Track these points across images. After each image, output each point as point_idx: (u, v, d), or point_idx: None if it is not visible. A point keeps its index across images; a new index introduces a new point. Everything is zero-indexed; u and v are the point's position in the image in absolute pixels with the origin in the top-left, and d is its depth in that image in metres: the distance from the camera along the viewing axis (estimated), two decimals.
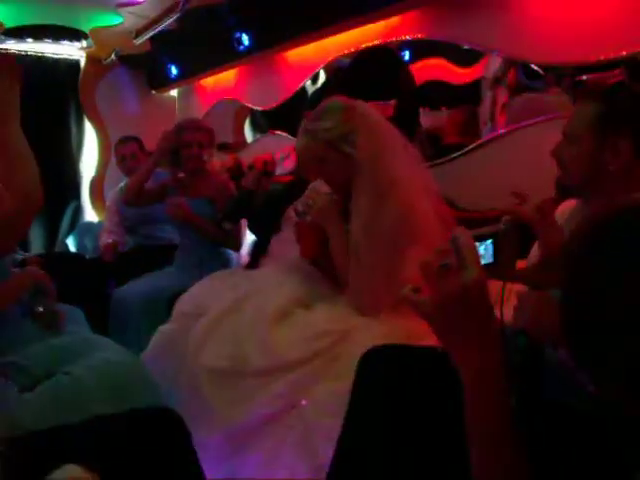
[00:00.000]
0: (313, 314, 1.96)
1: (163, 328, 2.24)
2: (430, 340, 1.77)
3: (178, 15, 3.51)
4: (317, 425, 1.68)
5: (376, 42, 3.09)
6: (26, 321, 2.21)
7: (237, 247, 3.18)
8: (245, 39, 3.71)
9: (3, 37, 4.67)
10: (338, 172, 2.01)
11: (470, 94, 3.33)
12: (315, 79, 4.58)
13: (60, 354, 1.76)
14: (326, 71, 4.42)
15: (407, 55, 3.63)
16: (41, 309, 1.95)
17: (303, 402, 1.72)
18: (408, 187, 1.99)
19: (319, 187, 2.19)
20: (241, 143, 5.03)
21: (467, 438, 0.87)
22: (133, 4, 3.69)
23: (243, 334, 1.91)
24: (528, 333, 1.26)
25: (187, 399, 1.87)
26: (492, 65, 3.11)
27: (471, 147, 2.70)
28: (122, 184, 3.95)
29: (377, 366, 1.48)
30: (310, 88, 4.69)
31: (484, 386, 0.84)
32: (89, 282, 3.27)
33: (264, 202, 2.76)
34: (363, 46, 3.16)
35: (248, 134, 5.24)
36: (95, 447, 1.29)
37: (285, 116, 4.37)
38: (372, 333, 1.83)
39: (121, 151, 3.95)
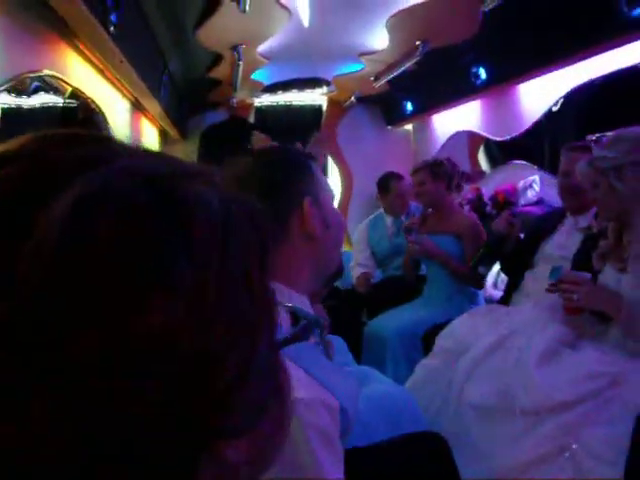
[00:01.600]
0: (581, 354, 1.94)
1: (425, 362, 2.35)
2: None
3: (418, 58, 3.68)
4: (589, 471, 1.66)
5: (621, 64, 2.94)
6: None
7: (480, 285, 3.21)
8: (482, 73, 3.76)
9: (260, 92, 5.33)
10: (609, 201, 1.97)
11: None
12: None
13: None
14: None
15: None
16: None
17: (574, 446, 1.71)
18: None
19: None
20: (478, 173, 5.06)
21: None
22: (374, 52, 3.96)
23: (509, 372, 1.95)
24: None
25: (450, 435, 1.95)
26: None
27: None
28: (371, 217, 4.15)
29: None
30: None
31: None
32: (344, 313, 3.52)
33: (519, 239, 2.76)
34: (601, 73, 3.03)
35: (483, 165, 5.26)
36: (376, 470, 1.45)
37: (523, 146, 4.32)
38: None
39: (401, 187, 3.93)
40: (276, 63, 4.19)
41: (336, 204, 5.80)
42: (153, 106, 3.68)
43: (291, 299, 1.05)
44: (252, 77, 4.41)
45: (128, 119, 3.68)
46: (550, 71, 3.37)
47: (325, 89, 5.41)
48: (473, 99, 4.26)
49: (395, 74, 4.15)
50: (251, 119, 5.75)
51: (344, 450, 1.62)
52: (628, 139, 1.93)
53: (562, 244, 2.45)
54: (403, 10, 3.22)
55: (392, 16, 3.29)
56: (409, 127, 5.73)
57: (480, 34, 3.38)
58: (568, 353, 1.94)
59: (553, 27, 3.06)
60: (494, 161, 5.14)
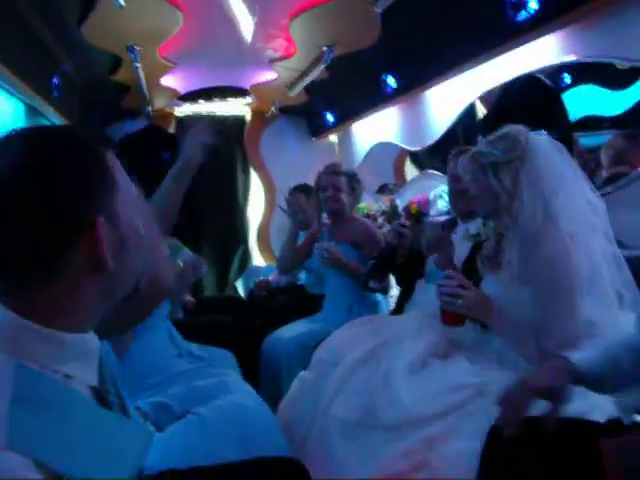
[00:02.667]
0: (449, 366, 1.84)
1: (303, 374, 2.24)
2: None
3: (326, 65, 3.60)
4: None
5: (523, 71, 2.92)
6: (181, 362, 2.35)
7: (385, 291, 3.13)
8: (391, 81, 3.71)
9: (179, 102, 5.18)
10: (486, 198, 1.89)
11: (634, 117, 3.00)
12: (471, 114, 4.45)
13: (198, 395, 1.83)
14: (485, 103, 4.28)
15: (558, 83, 3.38)
16: None
17: (434, 460, 1.60)
18: (577, 227, 1.80)
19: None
20: (401, 184, 5.01)
21: None
22: (284, 59, 3.87)
23: (376, 385, 1.84)
24: None
25: (317, 450, 1.83)
26: None
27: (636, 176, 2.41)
28: None
29: (505, 443, 1.34)
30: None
31: None
32: (243, 324, 3.39)
33: (410, 252, 2.68)
34: (511, 76, 3.00)
35: (411, 174, 5.21)
36: None
37: (441, 155, 4.28)
38: None
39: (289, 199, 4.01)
40: (185, 69, 4.06)
41: (259, 216, 5.68)
42: (48, 111, 3.48)
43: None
44: (161, 83, 4.24)
45: (25, 124, 3.48)
46: (453, 76, 3.34)
47: (247, 99, 5.29)
48: (386, 108, 4.21)
49: (307, 82, 4.07)
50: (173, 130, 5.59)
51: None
52: (507, 137, 1.87)
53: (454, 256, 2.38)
54: (304, 14, 3.15)
55: (293, 19, 3.21)
56: (334, 138, 5.66)
57: (385, 40, 3.33)
58: (437, 365, 1.84)
59: (450, 32, 3.02)
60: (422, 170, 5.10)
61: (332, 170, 3.18)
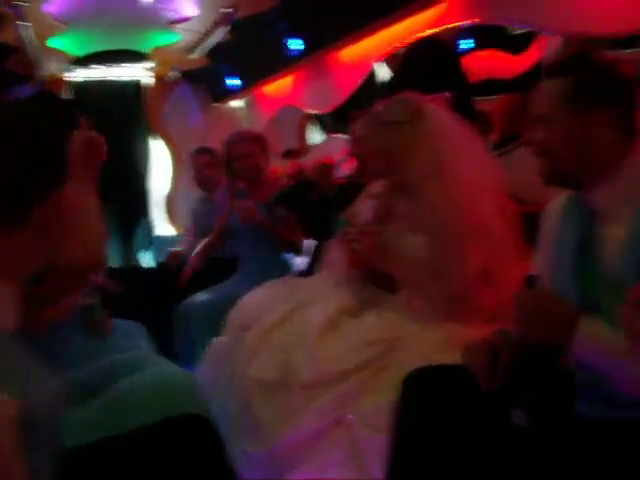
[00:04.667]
0: (362, 323, 1.88)
1: (217, 340, 2.23)
2: None
3: (227, 27, 3.52)
4: (365, 440, 1.60)
5: (427, 31, 2.97)
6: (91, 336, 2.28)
7: (298, 250, 3.14)
8: (295, 43, 3.68)
9: (72, 66, 4.90)
10: (381, 159, 1.96)
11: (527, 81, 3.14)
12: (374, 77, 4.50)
13: (118, 369, 1.79)
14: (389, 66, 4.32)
15: (461, 46, 3.47)
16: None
17: (349, 416, 1.65)
18: (467, 185, 1.89)
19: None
20: (306, 148, 5.01)
21: None
22: (184, 20, 3.74)
23: (291, 346, 1.87)
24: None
25: (238, 412, 1.85)
26: (551, 47, 2.90)
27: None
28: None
29: (419, 392, 1.40)
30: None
31: None
32: (156, 293, 3.33)
33: (317, 205, 2.70)
34: (415, 37, 3.05)
35: (317, 138, 5.21)
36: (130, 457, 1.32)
37: (347, 119, 4.30)
38: (424, 341, 1.74)
39: (196, 162, 4.02)
40: (78, 30, 3.84)
41: (168, 184, 5.54)
42: None
43: None
44: (47, 44, 3.99)
45: None
46: (358, 40, 3.36)
47: (146, 64, 5.07)
48: (291, 71, 4.18)
49: (209, 45, 3.97)
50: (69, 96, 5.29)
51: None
52: (402, 100, 1.96)
53: (357, 213, 2.41)
54: None
55: None
56: (238, 103, 5.56)
57: (288, 2, 3.29)
58: (349, 322, 1.89)
59: None
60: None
61: (243, 137, 3.13)
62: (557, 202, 1.49)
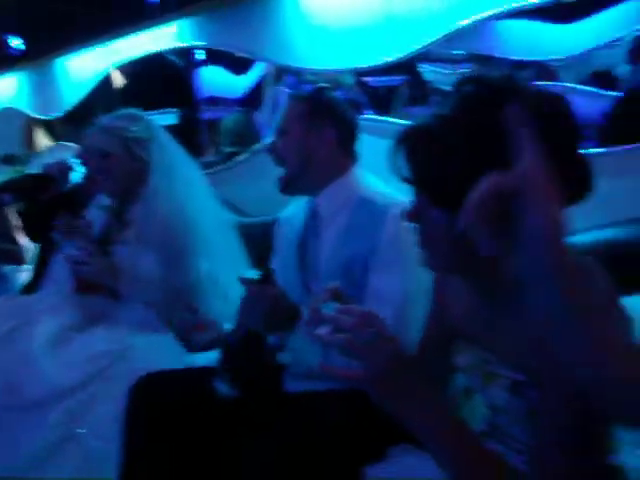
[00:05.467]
0: (91, 336, 1.90)
1: None
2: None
3: None
4: (97, 452, 1.64)
5: (157, 48, 3.04)
6: None
7: (20, 260, 2.97)
8: (17, 43, 3.47)
9: None
10: (121, 174, 2.00)
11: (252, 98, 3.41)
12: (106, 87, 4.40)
13: None
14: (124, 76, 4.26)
15: (191, 62, 3.60)
16: None
17: (80, 431, 1.67)
18: (192, 198, 2.03)
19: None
20: (31, 155, 4.69)
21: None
22: None
23: (16, 365, 1.81)
24: None
25: None
26: (269, 68, 3.18)
27: (251, 152, 2.77)
28: None
29: (144, 398, 1.52)
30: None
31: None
32: None
33: (47, 204, 2.58)
34: (145, 52, 3.10)
35: (43, 144, 4.89)
36: None
37: (77, 126, 4.15)
38: (153, 349, 1.83)
39: None
40: None
41: None
42: None
43: None
44: None
45: None
46: (85, 48, 3.29)
47: None
48: (12, 71, 3.91)
49: None
50: None
51: None
52: (137, 116, 2.05)
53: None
54: None
55: None
56: None
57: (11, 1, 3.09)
58: (76, 337, 1.89)
59: (82, 6, 2.98)
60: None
61: None
62: (288, 210, 1.80)
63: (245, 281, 1.35)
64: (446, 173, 0.84)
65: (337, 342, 0.83)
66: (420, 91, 3.00)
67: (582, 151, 0.85)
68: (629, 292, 1.54)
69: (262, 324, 1.32)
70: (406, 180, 0.92)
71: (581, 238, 1.65)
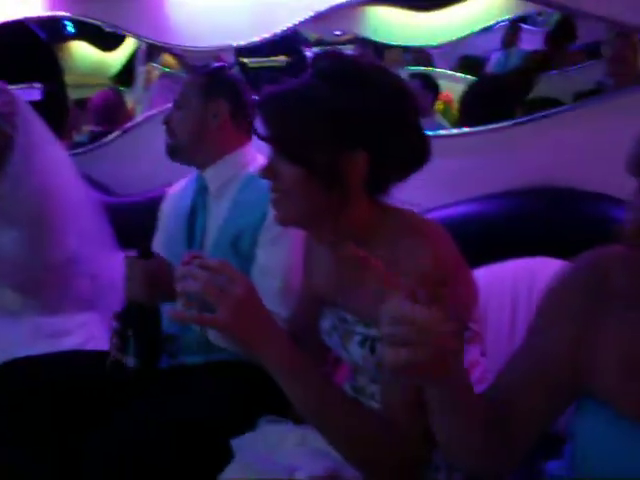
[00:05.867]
0: None
1: None
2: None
3: None
4: None
5: (19, 15, 2.83)
6: None
7: None
8: None
9: None
10: None
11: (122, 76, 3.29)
12: None
13: None
14: None
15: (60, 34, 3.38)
16: None
17: None
18: (57, 176, 1.94)
19: None
20: None
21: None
22: None
23: None
24: None
25: None
26: (142, 45, 3.07)
27: (122, 130, 2.70)
28: None
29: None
30: None
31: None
32: None
33: None
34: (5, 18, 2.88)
35: None
36: None
37: None
38: (12, 335, 1.77)
39: None
40: None
41: None
42: None
43: None
44: None
45: None
46: None
47: None
48: None
49: None
50: None
51: None
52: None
53: None
54: None
55: None
56: None
57: None
58: None
59: None
60: None
61: None
62: (178, 185, 1.83)
63: (125, 258, 1.39)
64: (298, 131, 0.99)
65: (193, 290, 0.88)
66: (302, 72, 3.04)
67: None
68: (480, 264, 1.69)
69: (145, 296, 1.35)
70: (263, 138, 1.04)
71: (439, 214, 1.78)
